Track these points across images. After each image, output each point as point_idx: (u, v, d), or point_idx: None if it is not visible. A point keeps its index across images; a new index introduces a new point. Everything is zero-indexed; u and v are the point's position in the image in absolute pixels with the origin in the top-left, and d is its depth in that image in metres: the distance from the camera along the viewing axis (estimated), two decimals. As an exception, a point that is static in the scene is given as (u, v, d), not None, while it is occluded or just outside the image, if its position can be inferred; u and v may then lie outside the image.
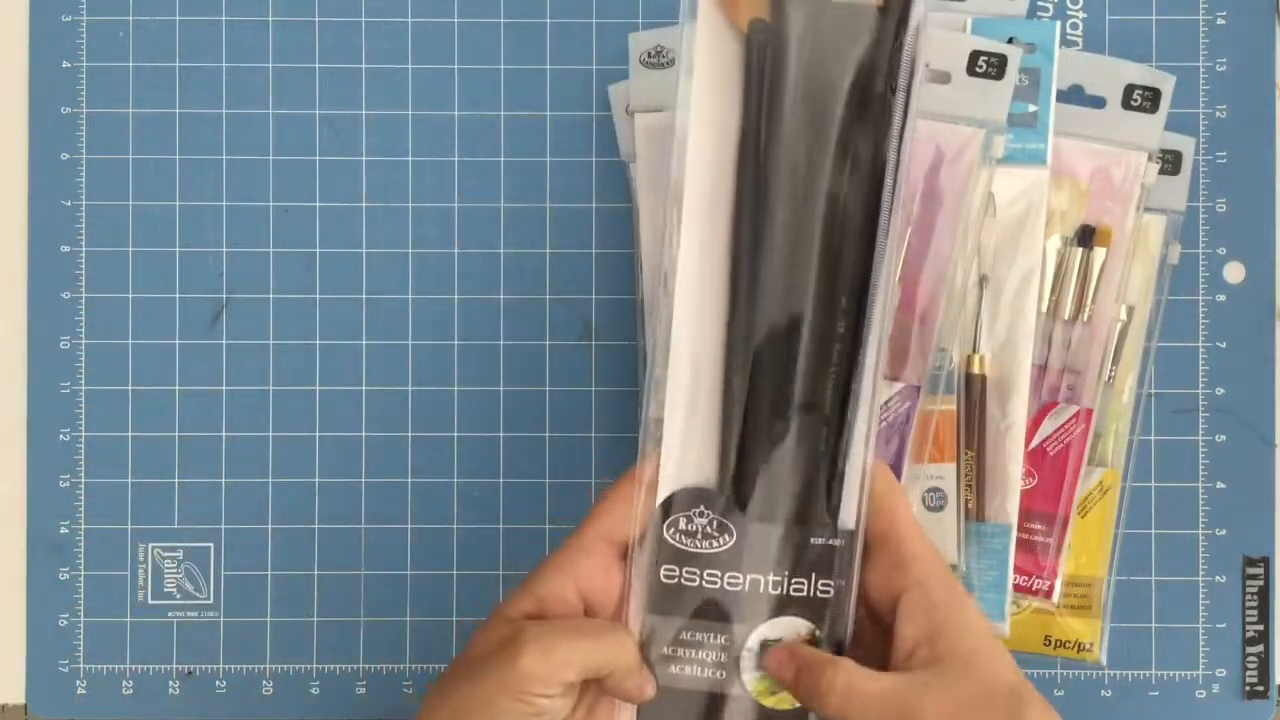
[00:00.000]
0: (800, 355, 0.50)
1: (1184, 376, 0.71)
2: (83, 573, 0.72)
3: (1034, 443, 0.70)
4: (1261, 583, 0.71)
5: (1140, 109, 0.69)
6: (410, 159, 0.72)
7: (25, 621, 0.72)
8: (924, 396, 0.68)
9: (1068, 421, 0.69)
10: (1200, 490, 0.71)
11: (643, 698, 0.50)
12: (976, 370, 0.70)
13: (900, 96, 0.49)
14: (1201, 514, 0.71)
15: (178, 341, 0.73)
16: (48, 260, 0.73)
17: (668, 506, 0.50)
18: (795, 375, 0.50)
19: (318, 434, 0.72)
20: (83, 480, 0.72)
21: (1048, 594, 0.69)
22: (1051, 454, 0.69)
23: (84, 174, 0.73)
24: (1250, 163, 0.72)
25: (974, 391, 0.69)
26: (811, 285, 0.49)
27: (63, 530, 0.72)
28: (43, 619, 0.72)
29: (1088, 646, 0.71)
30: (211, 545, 0.72)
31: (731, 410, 0.50)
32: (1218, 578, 0.71)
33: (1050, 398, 0.70)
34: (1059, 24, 0.70)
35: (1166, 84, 0.70)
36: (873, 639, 0.51)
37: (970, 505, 0.69)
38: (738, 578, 0.50)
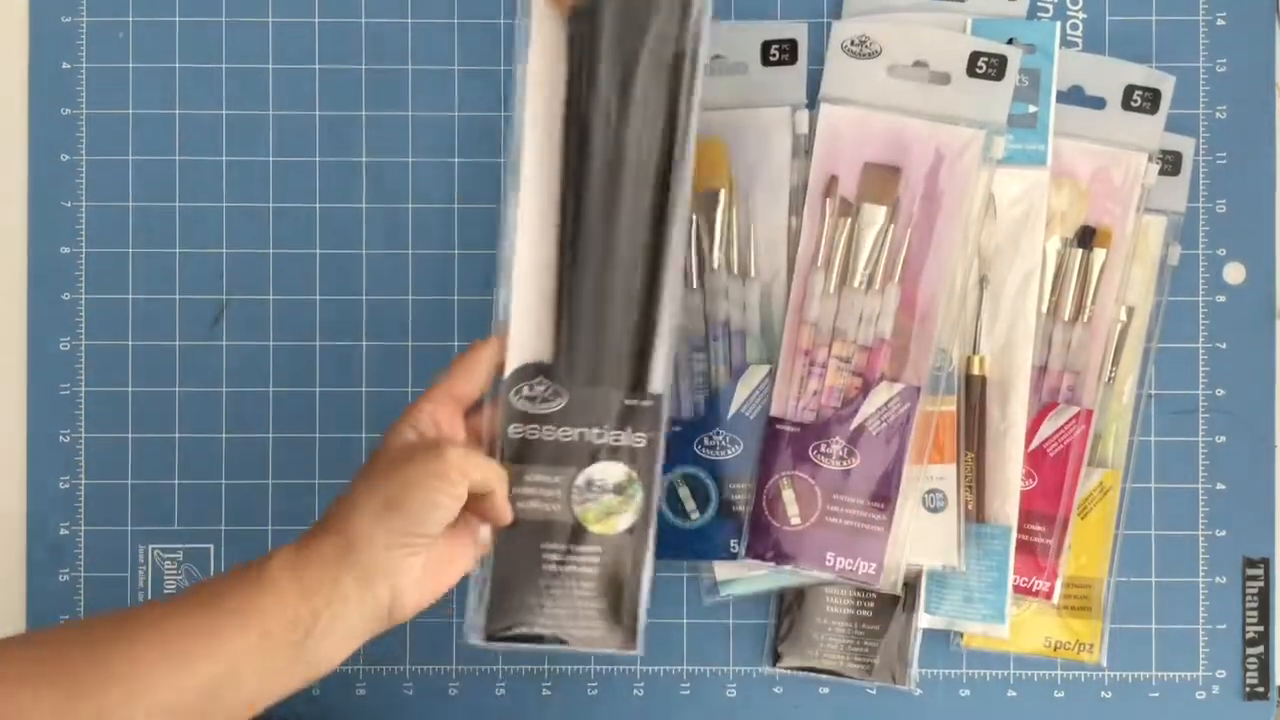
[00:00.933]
0: (617, 256, 0.62)
1: (1184, 377, 0.71)
2: (83, 573, 0.72)
3: (1034, 443, 0.70)
4: (1261, 583, 0.71)
5: (1140, 110, 0.69)
6: (410, 159, 0.72)
7: (25, 621, 0.72)
8: (924, 397, 0.68)
9: (1068, 422, 0.69)
10: (1200, 491, 0.71)
11: (505, 521, 0.61)
12: (976, 371, 0.70)
13: (688, 62, 0.62)
14: (1201, 515, 0.71)
15: (178, 342, 0.73)
16: (48, 260, 0.73)
17: (515, 377, 0.62)
18: (614, 271, 0.62)
19: (318, 434, 0.72)
20: (83, 481, 0.72)
21: (1048, 595, 0.69)
22: (1052, 455, 0.69)
23: (84, 174, 0.73)
24: (1250, 163, 0.72)
25: (974, 392, 0.70)
26: (624, 203, 0.62)
27: (63, 531, 0.72)
28: (43, 619, 0.72)
29: (1088, 647, 0.71)
30: (211, 546, 0.73)
31: (563, 301, 0.63)
32: (1218, 578, 0.71)
33: (1050, 399, 0.70)
34: (1059, 25, 0.70)
35: (1166, 85, 0.70)
36: None
37: (970, 506, 0.69)
38: (569, 431, 0.62)
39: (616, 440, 0.63)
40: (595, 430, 0.62)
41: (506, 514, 0.61)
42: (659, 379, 0.63)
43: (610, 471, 0.63)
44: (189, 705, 0.55)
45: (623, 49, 0.62)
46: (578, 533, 0.63)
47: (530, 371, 0.63)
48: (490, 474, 0.59)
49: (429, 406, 0.60)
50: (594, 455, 0.63)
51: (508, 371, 0.62)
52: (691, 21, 0.62)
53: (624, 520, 0.63)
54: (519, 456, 0.62)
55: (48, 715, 0.52)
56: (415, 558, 0.58)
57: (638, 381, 0.63)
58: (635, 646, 0.63)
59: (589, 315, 0.63)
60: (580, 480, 0.63)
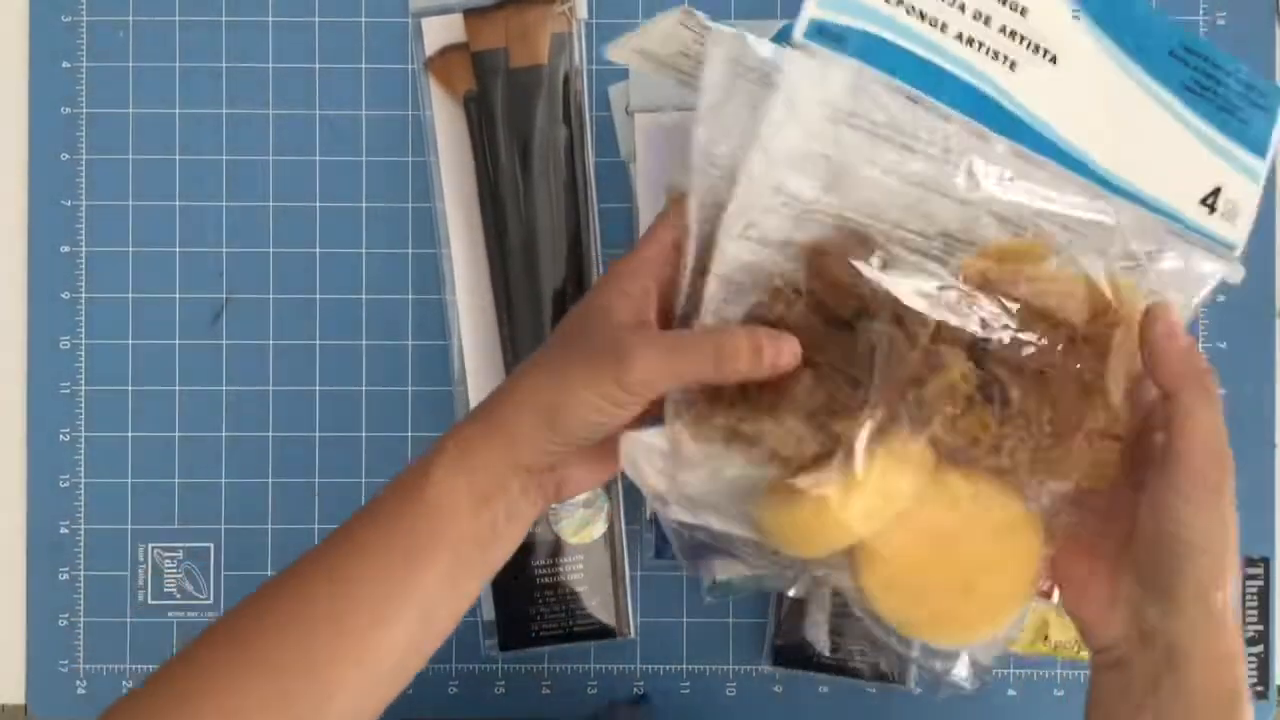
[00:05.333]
0: (543, 310, 0.70)
1: (1184, 377, 0.71)
2: (83, 573, 0.72)
3: (1034, 443, 0.69)
4: (1261, 583, 0.71)
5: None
6: (410, 159, 0.72)
7: (25, 621, 0.72)
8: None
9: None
10: (1200, 490, 0.71)
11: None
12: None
13: (575, 122, 0.70)
14: (1201, 514, 0.71)
15: (178, 341, 0.73)
16: (48, 260, 0.73)
17: None
18: (543, 321, 0.70)
19: (318, 434, 0.72)
20: (83, 480, 0.72)
21: (1048, 594, 0.69)
22: (1051, 454, 0.69)
23: (84, 174, 0.73)
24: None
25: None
26: (544, 264, 0.70)
27: (63, 530, 0.72)
28: (43, 619, 0.72)
29: (1087, 647, 0.71)
30: (211, 545, 0.73)
31: (507, 351, 0.70)
32: (1217, 578, 0.71)
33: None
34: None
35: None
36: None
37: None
38: None
39: None
40: None
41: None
42: None
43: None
44: (385, 676, 0.53)
45: (516, 129, 0.70)
46: (559, 547, 0.71)
47: None
48: (700, 378, 0.52)
49: (625, 292, 0.53)
50: None
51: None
52: (574, 97, 0.70)
53: (597, 529, 0.71)
54: None
55: (260, 709, 0.51)
56: (582, 454, 0.55)
57: None
58: (630, 632, 0.71)
59: (526, 353, 0.68)
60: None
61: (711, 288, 0.53)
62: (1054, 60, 0.53)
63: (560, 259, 0.70)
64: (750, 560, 0.57)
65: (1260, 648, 0.71)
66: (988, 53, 0.53)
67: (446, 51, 0.71)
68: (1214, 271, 0.55)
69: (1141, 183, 0.54)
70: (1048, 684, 0.72)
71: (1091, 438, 0.52)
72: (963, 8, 0.52)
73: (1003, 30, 0.53)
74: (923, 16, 0.52)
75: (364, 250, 0.73)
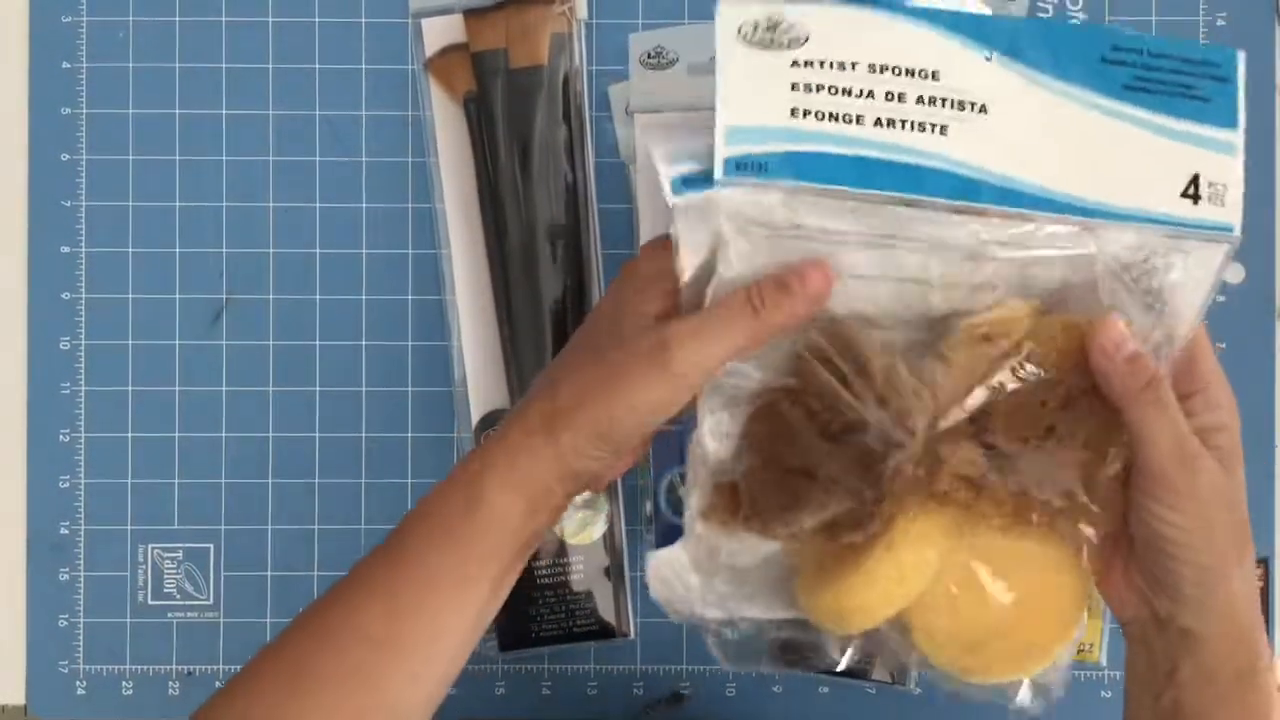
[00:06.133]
0: (543, 313, 0.70)
1: (1184, 377, 0.71)
2: (83, 573, 0.72)
3: (1034, 443, 0.69)
4: (1261, 583, 0.71)
5: (1140, 109, 0.69)
6: (410, 160, 0.72)
7: (25, 621, 0.72)
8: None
9: (1068, 422, 0.69)
10: (1200, 491, 0.71)
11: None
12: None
13: (575, 123, 0.70)
14: (1201, 514, 0.71)
15: (178, 341, 0.73)
16: (48, 260, 0.73)
17: (481, 425, 0.71)
18: (544, 324, 0.70)
19: (318, 434, 0.72)
20: (83, 480, 0.72)
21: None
22: (1051, 454, 0.69)
23: (84, 174, 0.73)
24: (1250, 164, 0.71)
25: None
26: (542, 264, 0.70)
27: (63, 530, 0.72)
28: (43, 619, 0.72)
29: (1088, 647, 0.71)
30: (211, 545, 0.73)
31: (509, 355, 0.71)
32: (1217, 578, 0.71)
33: (1050, 398, 0.70)
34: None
35: (1166, 84, 0.69)
36: None
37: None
38: None
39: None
40: None
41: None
42: None
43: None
44: (443, 679, 0.55)
45: (516, 129, 0.69)
46: (559, 547, 0.71)
47: (493, 418, 0.71)
48: (745, 339, 0.51)
49: (655, 284, 0.53)
50: None
51: (474, 421, 0.71)
52: (574, 97, 0.70)
53: (597, 529, 0.71)
54: None
55: None
56: (629, 456, 0.55)
57: None
58: (630, 632, 0.71)
59: (530, 365, 0.70)
60: None
61: (702, 406, 0.54)
62: (984, 110, 0.51)
63: (560, 259, 0.70)
64: (800, 640, 0.58)
65: (1260, 648, 0.71)
66: (913, 127, 0.51)
67: (446, 52, 0.71)
68: (1215, 258, 0.53)
69: (1115, 199, 0.51)
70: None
71: (1110, 485, 0.52)
72: (871, 94, 0.51)
73: (920, 100, 0.51)
74: (834, 118, 0.51)
75: (364, 250, 0.73)
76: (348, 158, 0.72)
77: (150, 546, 0.72)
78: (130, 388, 0.73)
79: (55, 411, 0.73)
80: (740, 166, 0.50)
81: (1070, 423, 0.52)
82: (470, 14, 0.70)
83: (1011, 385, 0.51)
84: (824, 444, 0.52)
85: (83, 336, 0.73)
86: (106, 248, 0.73)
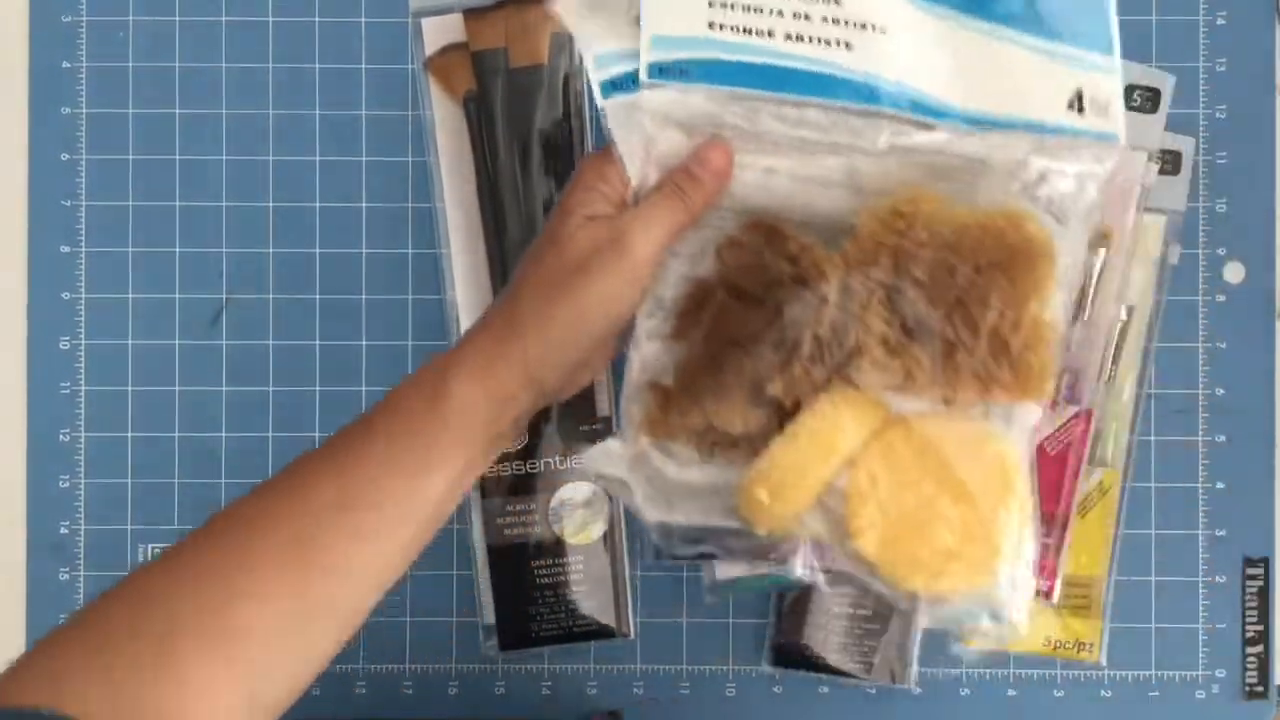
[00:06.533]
0: None
1: (1184, 376, 0.71)
2: (83, 573, 0.72)
3: (1034, 443, 0.70)
4: (1261, 583, 0.71)
5: (1140, 109, 0.70)
6: (410, 159, 0.72)
7: (25, 621, 0.72)
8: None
9: (1068, 422, 0.69)
10: (1200, 490, 0.71)
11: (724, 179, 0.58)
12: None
13: (575, 122, 0.70)
14: (1201, 514, 0.71)
15: (178, 341, 0.73)
16: (48, 260, 0.73)
17: None
18: None
19: (317, 434, 0.72)
20: (83, 480, 0.72)
21: (1048, 594, 0.69)
22: (1051, 454, 0.69)
23: (84, 174, 0.73)
24: (1250, 163, 0.72)
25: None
26: None
27: (63, 530, 0.72)
28: (43, 619, 0.72)
29: (1088, 646, 0.71)
30: (211, 545, 0.72)
31: None
32: (1218, 578, 0.71)
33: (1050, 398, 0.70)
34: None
35: (1166, 84, 0.70)
36: None
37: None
38: (536, 463, 0.71)
39: (578, 462, 0.70)
40: (558, 458, 0.71)
41: (719, 181, 0.58)
42: (604, 404, 0.70)
43: (578, 490, 0.71)
44: (398, 561, 0.55)
45: (516, 129, 0.70)
46: (559, 546, 0.71)
47: None
48: (680, 222, 0.57)
49: (599, 181, 0.57)
50: (561, 479, 0.70)
51: None
52: (574, 97, 0.70)
53: (597, 529, 0.71)
54: (496, 491, 0.70)
55: (269, 621, 0.51)
56: (585, 369, 0.59)
57: (588, 410, 0.70)
58: (630, 632, 0.71)
59: None
60: (554, 502, 0.71)
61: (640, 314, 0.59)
62: (884, 31, 0.56)
63: None
64: (737, 551, 0.60)
65: (1260, 648, 0.71)
66: (820, 43, 0.57)
67: (446, 51, 0.71)
68: (1103, 165, 0.57)
69: (1007, 110, 0.57)
70: (1048, 684, 0.72)
71: (1024, 354, 0.55)
72: (780, 13, 0.57)
73: (825, 20, 0.57)
74: (748, 31, 0.57)
75: (364, 250, 0.73)
76: (348, 157, 0.72)
77: (150, 546, 0.72)
78: (130, 388, 0.73)
79: (55, 411, 0.73)
80: (663, 71, 0.57)
81: (978, 291, 0.55)
82: (470, 13, 0.70)
83: (918, 254, 0.55)
84: (747, 313, 0.57)
85: (83, 336, 0.73)
86: (106, 248, 0.73)
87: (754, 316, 0.57)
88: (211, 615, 0.51)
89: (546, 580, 0.71)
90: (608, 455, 0.59)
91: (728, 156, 0.57)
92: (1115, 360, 0.70)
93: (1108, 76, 0.57)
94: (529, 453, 0.71)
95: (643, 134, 0.57)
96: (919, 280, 0.55)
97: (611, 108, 0.57)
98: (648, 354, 0.59)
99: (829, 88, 0.57)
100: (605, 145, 0.58)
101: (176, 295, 0.73)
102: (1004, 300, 0.55)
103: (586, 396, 0.71)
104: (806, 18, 0.57)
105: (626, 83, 0.57)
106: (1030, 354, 0.55)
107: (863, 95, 0.56)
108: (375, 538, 0.54)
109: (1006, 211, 0.56)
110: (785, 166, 0.58)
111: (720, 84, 0.57)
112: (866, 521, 0.55)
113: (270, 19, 0.73)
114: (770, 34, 0.57)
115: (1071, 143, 0.57)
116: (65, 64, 0.73)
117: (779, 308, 0.56)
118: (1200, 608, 0.71)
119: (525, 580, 0.71)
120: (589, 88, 0.69)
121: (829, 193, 0.58)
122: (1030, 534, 0.55)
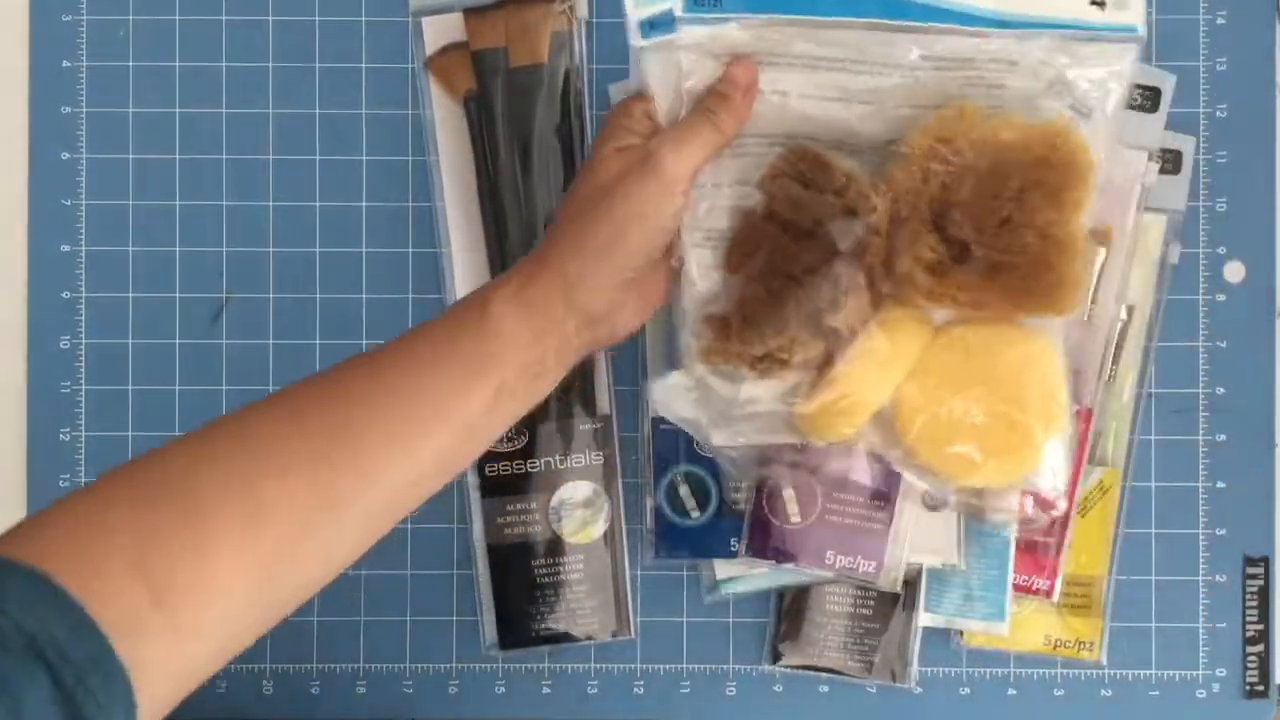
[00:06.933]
0: None
1: (1184, 376, 0.71)
2: (82, 572, 0.72)
3: (1034, 442, 0.70)
4: (1261, 582, 0.71)
5: (1140, 108, 0.70)
6: (410, 159, 0.72)
7: (25, 621, 0.72)
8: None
9: (1068, 421, 0.69)
10: (1200, 490, 0.71)
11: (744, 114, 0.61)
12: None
13: (575, 122, 0.70)
14: (1201, 514, 0.71)
15: (178, 341, 0.73)
16: (48, 259, 0.73)
17: None
18: None
19: (318, 434, 0.72)
20: (83, 480, 0.72)
21: (1048, 594, 0.69)
22: (1051, 453, 0.69)
23: (84, 174, 0.73)
24: (1250, 163, 0.72)
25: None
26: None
27: (62, 530, 0.72)
28: (42, 619, 0.72)
29: (1088, 646, 0.71)
30: (211, 545, 0.72)
31: None
32: (1218, 577, 0.71)
33: (1050, 397, 0.70)
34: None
35: (1166, 83, 0.70)
36: None
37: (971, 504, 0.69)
38: (536, 462, 0.71)
39: (578, 461, 0.70)
40: (558, 456, 0.70)
41: (742, 112, 0.60)
42: (604, 402, 0.71)
43: (578, 489, 0.71)
44: (425, 474, 0.55)
45: (516, 128, 0.70)
46: (559, 546, 0.71)
47: None
48: (712, 142, 0.59)
49: (626, 119, 0.60)
50: (561, 478, 0.71)
51: None
52: (574, 96, 0.70)
53: (597, 529, 0.71)
54: (496, 490, 0.70)
55: (293, 502, 0.51)
56: (632, 291, 0.60)
57: (588, 408, 0.71)
58: (629, 632, 0.71)
59: None
60: (554, 501, 0.71)
61: (687, 248, 0.61)
62: None
63: None
64: (802, 466, 0.66)
65: (1260, 647, 0.71)
66: None
67: (446, 51, 0.71)
68: (1126, 58, 0.60)
69: (1029, 8, 0.60)
70: (1048, 683, 0.72)
71: (1062, 268, 0.58)
72: None
73: None
74: None
75: (364, 250, 0.73)
76: (348, 157, 0.72)
77: (150, 546, 0.72)
78: (130, 387, 0.72)
79: (55, 411, 0.73)
80: (699, 2, 0.60)
81: (1025, 213, 0.58)
82: (470, 12, 0.70)
83: (963, 178, 0.58)
84: (800, 248, 0.60)
85: (83, 336, 0.73)
86: (106, 246, 0.73)
87: (807, 252, 0.59)
88: (240, 488, 0.51)
89: (546, 580, 0.71)
90: (675, 391, 0.62)
91: (752, 74, 0.59)
92: (1115, 359, 0.70)
93: None
94: (529, 452, 0.71)
95: (677, 71, 0.60)
96: (965, 203, 0.58)
97: (647, 49, 0.60)
98: (702, 287, 0.62)
99: (858, 5, 0.59)
100: (635, 94, 0.61)
101: (177, 294, 0.73)
102: (1046, 219, 0.58)
103: (587, 396, 0.71)
104: None
105: (663, 23, 0.60)
106: (1066, 267, 0.58)
107: (891, 10, 0.59)
108: (405, 438, 0.54)
109: (1047, 129, 0.58)
110: (819, 89, 0.60)
111: (754, 11, 0.59)
112: (917, 428, 0.60)
113: (270, 18, 0.73)
114: None
115: (1094, 38, 0.59)
116: (65, 63, 0.73)
117: (831, 242, 0.59)
118: (1200, 607, 0.71)
119: (525, 580, 0.71)
120: (589, 87, 0.70)
121: (865, 112, 0.60)
122: (1066, 421, 0.60)
